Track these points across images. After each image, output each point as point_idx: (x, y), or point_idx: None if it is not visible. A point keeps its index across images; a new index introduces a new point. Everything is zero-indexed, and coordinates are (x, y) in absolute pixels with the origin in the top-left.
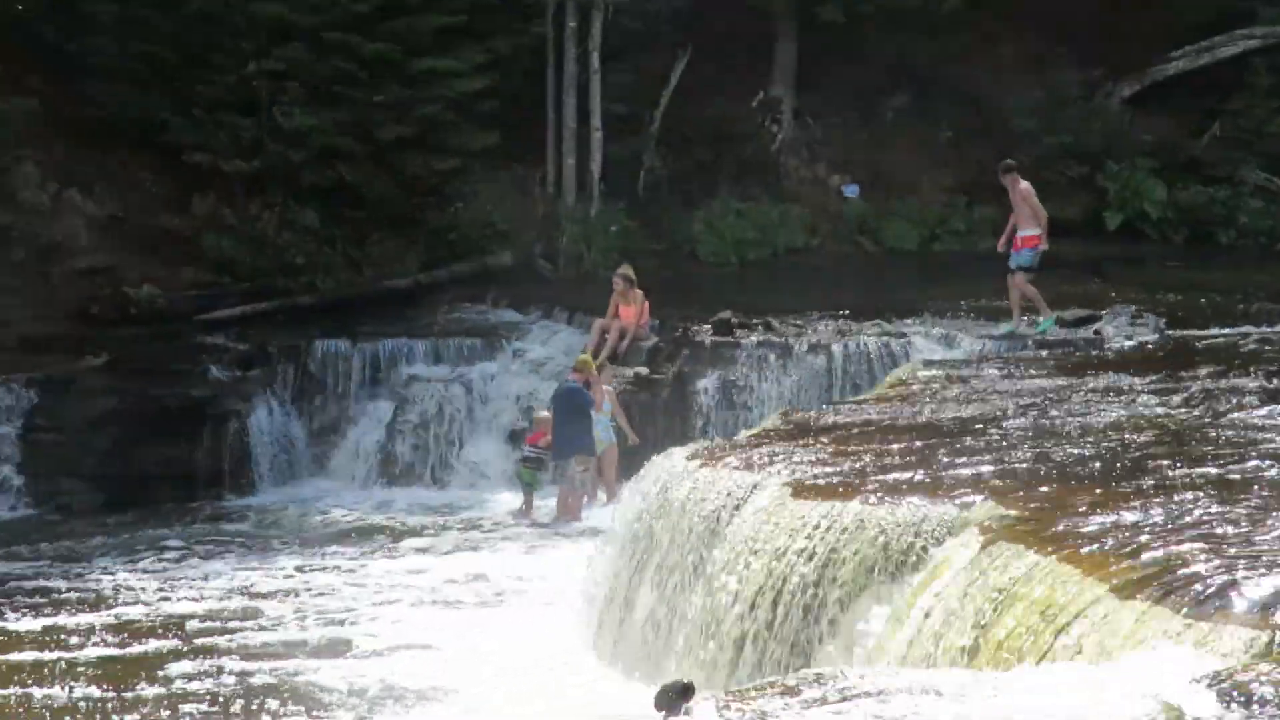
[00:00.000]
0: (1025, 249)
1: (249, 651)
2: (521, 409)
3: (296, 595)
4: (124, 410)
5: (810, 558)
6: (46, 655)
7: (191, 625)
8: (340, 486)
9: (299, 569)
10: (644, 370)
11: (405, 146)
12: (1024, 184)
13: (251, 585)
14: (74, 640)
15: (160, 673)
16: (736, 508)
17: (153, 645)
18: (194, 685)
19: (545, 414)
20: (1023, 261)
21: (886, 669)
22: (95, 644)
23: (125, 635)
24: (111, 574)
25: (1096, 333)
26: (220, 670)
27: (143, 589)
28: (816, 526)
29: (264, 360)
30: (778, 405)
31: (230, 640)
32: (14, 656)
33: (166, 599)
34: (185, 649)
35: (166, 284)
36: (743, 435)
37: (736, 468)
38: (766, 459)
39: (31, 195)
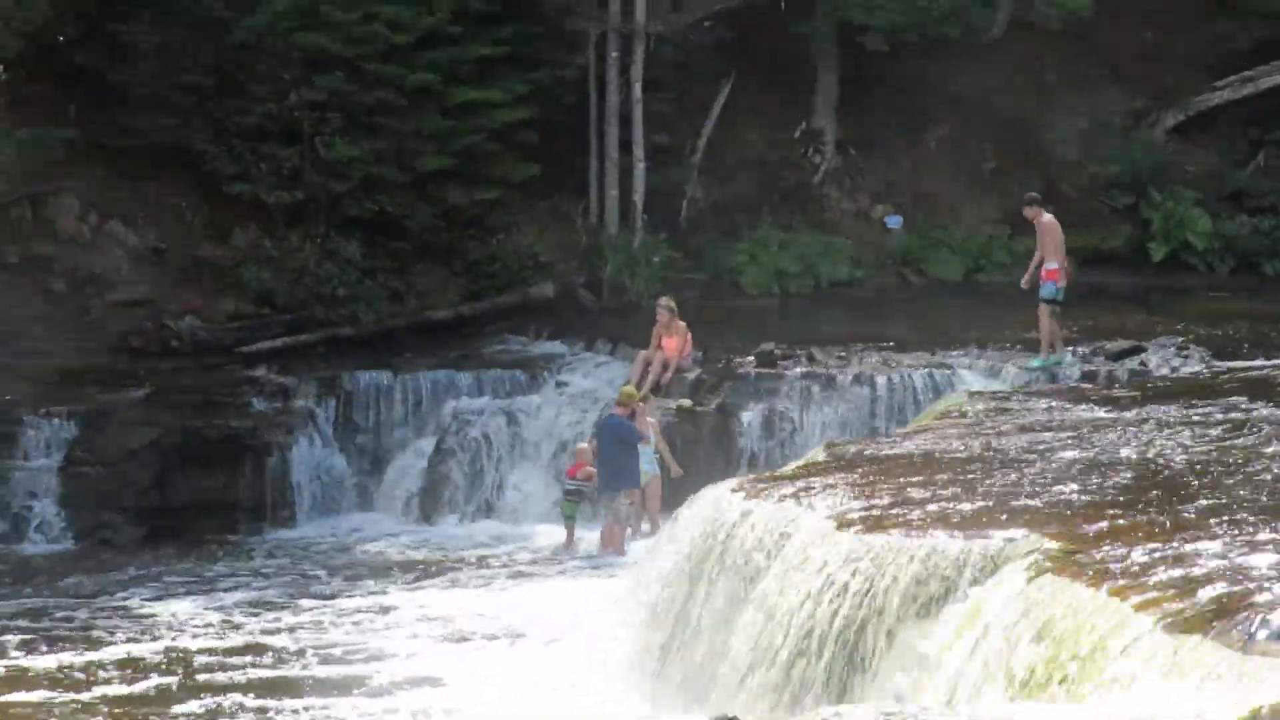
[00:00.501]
0: (1048, 281)
1: (267, 687)
2: (565, 442)
3: (325, 629)
4: (165, 443)
5: (854, 591)
6: (60, 695)
7: (207, 660)
8: (382, 519)
9: (331, 602)
10: (687, 402)
11: (446, 177)
12: (1047, 217)
13: (280, 619)
14: (82, 678)
15: (171, 710)
16: (781, 541)
17: (164, 682)
18: None
19: (584, 445)
20: (1045, 294)
21: (927, 704)
22: (106, 681)
23: (132, 671)
24: (139, 609)
25: (1142, 364)
26: (234, 709)
27: (168, 625)
28: (861, 559)
29: (305, 392)
30: (822, 437)
31: (246, 676)
32: (29, 695)
33: (192, 634)
34: (198, 685)
35: (207, 316)
36: (787, 467)
37: (780, 500)
38: (811, 491)
39: (71, 226)
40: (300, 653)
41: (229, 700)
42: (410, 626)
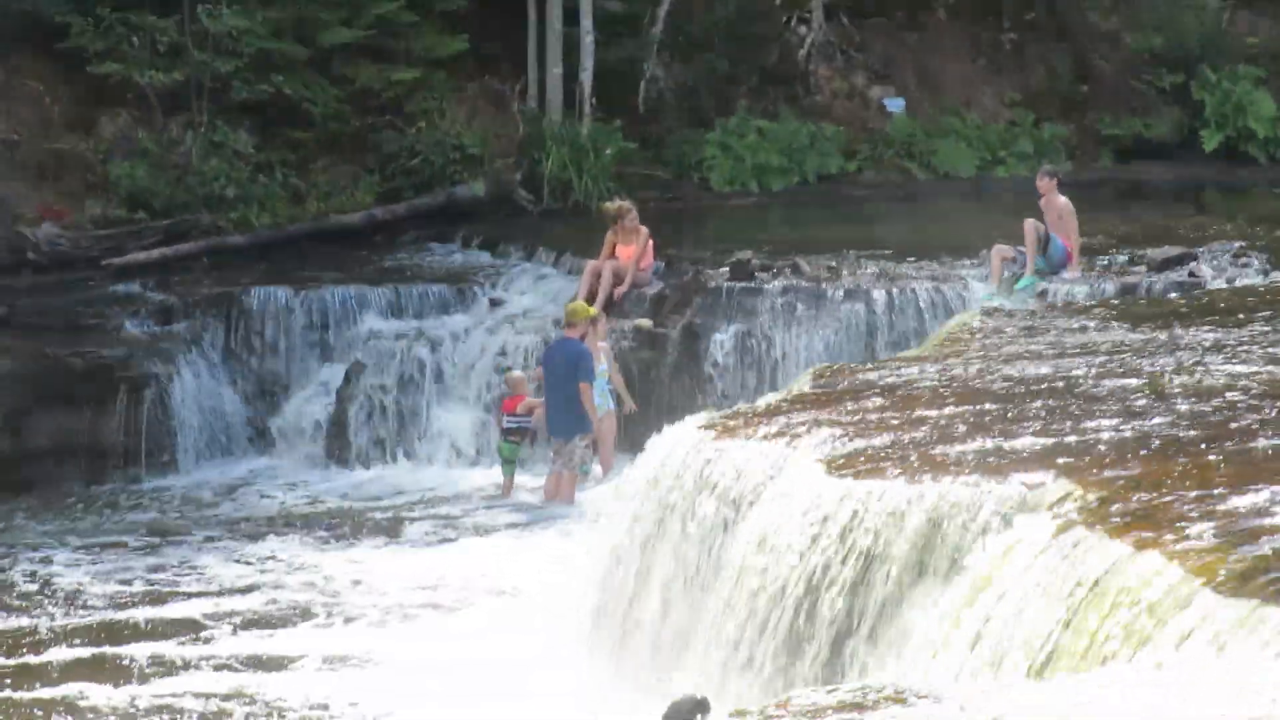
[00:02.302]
0: (1060, 241)
1: (170, 669)
2: (501, 370)
3: (225, 596)
4: (19, 374)
5: (849, 548)
6: None
7: (100, 635)
8: (282, 465)
9: (232, 566)
10: (646, 322)
11: (356, 53)
12: (1063, 199)
13: (172, 586)
14: None
15: (70, 693)
16: (760, 488)
17: (57, 658)
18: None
19: (518, 374)
20: (1053, 246)
21: (935, 680)
22: None
23: (24, 648)
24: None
25: (1191, 274)
26: (141, 700)
27: (40, 594)
28: (856, 510)
29: (188, 313)
30: (808, 364)
31: (147, 653)
32: None
33: (71, 604)
34: (95, 666)
35: (69, 222)
36: (766, 400)
37: (759, 440)
38: (795, 429)
39: None
40: (211, 626)
41: (137, 690)
42: (341, 595)
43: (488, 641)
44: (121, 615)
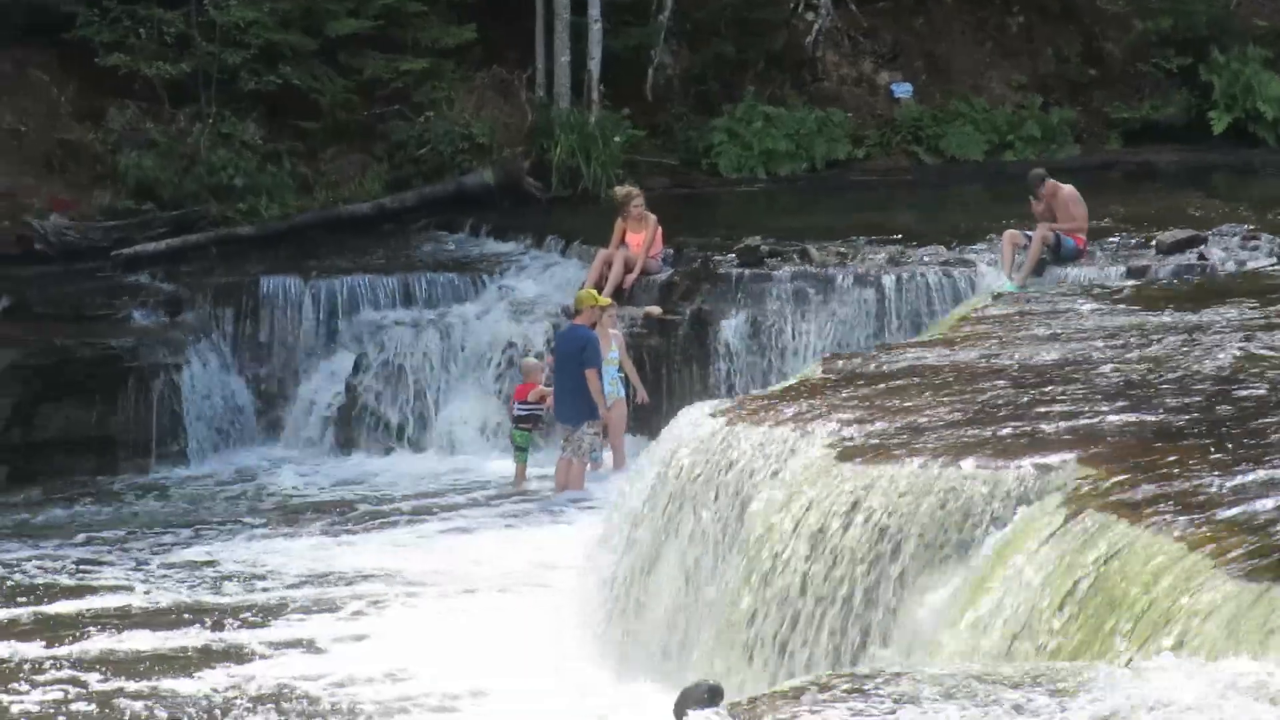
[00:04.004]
0: (1070, 240)
1: (182, 660)
2: (510, 358)
3: (237, 587)
4: (28, 365)
5: (860, 533)
6: None
7: (114, 622)
8: (291, 454)
9: (243, 556)
10: (656, 310)
11: (363, 43)
12: (1067, 187)
13: (184, 577)
14: None
15: (37, 682)
16: (771, 474)
17: (75, 650)
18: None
19: (533, 360)
20: (1064, 249)
21: (948, 665)
22: None
23: (38, 635)
24: (9, 566)
25: (1201, 257)
26: (161, 694)
27: (51, 584)
28: (867, 495)
29: (197, 303)
30: (818, 350)
31: (163, 643)
32: None
33: (81, 595)
34: (113, 660)
35: (78, 212)
36: (776, 386)
37: (769, 426)
38: (805, 414)
39: None
40: (225, 617)
41: (160, 684)
42: (352, 583)
43: (495, 629)
44: (141, 601)
